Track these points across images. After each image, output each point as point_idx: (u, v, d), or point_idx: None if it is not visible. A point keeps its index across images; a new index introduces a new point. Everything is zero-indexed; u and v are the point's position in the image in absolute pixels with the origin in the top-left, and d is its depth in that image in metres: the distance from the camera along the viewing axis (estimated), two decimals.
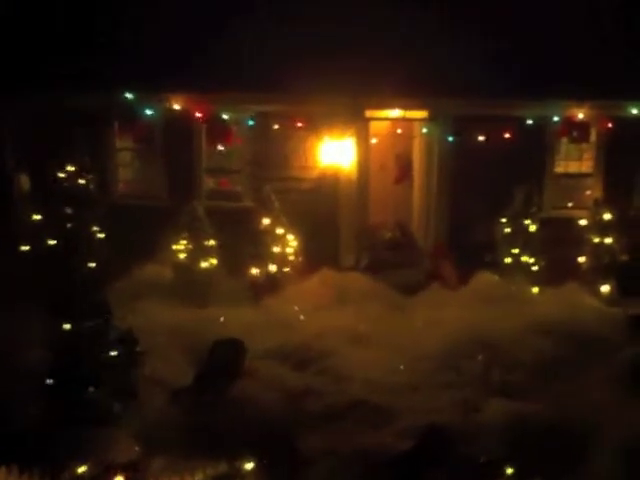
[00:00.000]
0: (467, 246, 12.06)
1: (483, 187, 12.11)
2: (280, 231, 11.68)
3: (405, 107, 12.35)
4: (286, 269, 11.76)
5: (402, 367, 9.30)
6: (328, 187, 12.56)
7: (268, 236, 11.60)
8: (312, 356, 9.38)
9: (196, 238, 11.45)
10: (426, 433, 7.18)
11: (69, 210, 10.51)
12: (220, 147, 12.61)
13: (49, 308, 8.10)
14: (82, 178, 10.87)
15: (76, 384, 7.44)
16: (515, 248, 11.67)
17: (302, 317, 10.70)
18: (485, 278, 11.61)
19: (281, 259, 11.72)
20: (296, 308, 10.96)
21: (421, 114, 12.56)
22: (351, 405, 8.22)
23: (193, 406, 7.89)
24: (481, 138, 12.03)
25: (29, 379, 7.78)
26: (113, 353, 7.59)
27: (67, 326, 7.46)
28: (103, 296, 7.72)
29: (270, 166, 12.64)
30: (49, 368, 7.52)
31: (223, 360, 8.42)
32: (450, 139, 12.26)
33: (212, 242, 11.55)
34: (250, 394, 8.14)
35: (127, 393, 7.74)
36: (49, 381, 7.28)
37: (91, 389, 7.46)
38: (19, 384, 7.82)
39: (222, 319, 10.31)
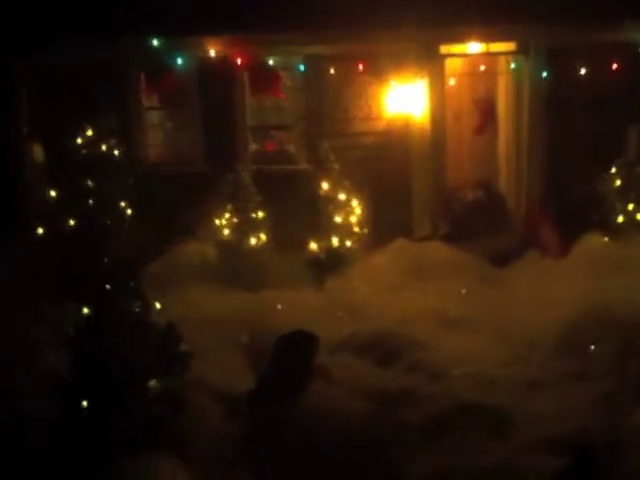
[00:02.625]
0: (568, 205, 10.97)
1: (586, 132, 10.89)
2: (342, 197, 10.67)
3: (488, 39, 11.14)
4: (351, 242, 10.75)
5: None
6: (397, 142, 11.39)
7: (328, 203, 10.61)
8: (397, 348, 8.24)
9: (242, 210, 10.57)
10: (576, 451, 5.83)
11: (90, 183, 9.65)
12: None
13: (71, 301, 7.11)
14: (104, 144, 10.04)
15: (104, 395, 6.21)
16: (629, 203, 10.58)
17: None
18: (593, 242, 10.47)
19: (345, 230, 10.71)
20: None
21: (507, 46, 11.42)
22: (460, 410, 6.90)
23: (258, 418, 6.81)
24: (582, 72, 10.86)
25: (46, 388, 6.62)
26: (151, 355, 6.49)
27: (93, 321, 6.40)
28: (137, 284, 6.59)
29: (327, 120, 11.60)
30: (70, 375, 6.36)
31: (292, 359, 7.18)
32: (544, 75, 11.07)
33: (261, 214, 10.65)
34: (329, 400, 6.92)
35: (170, 405, 6.53)
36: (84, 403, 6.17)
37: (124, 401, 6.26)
38: (33, 395, 6.78)
39: (279, 306, 9.32)
